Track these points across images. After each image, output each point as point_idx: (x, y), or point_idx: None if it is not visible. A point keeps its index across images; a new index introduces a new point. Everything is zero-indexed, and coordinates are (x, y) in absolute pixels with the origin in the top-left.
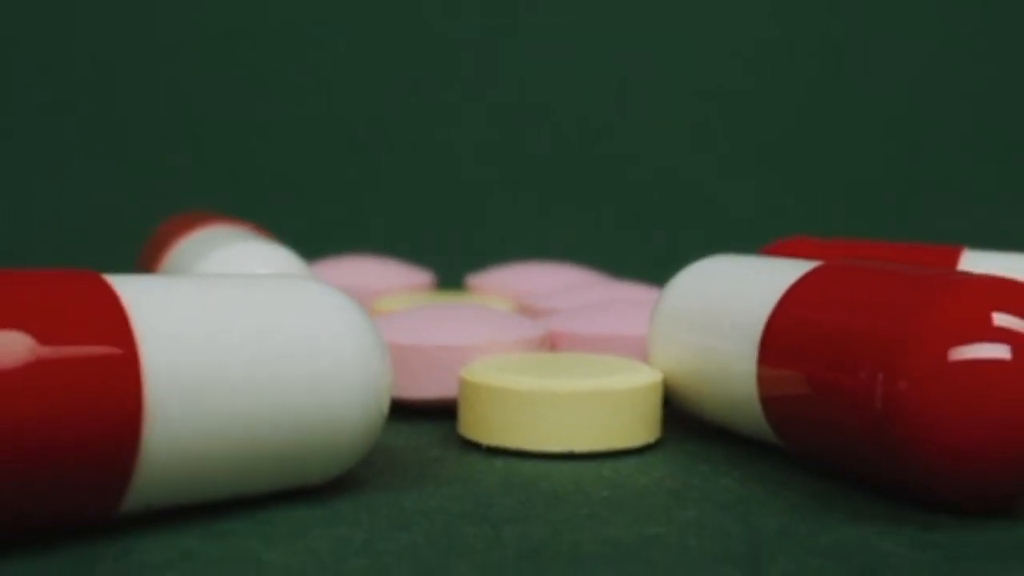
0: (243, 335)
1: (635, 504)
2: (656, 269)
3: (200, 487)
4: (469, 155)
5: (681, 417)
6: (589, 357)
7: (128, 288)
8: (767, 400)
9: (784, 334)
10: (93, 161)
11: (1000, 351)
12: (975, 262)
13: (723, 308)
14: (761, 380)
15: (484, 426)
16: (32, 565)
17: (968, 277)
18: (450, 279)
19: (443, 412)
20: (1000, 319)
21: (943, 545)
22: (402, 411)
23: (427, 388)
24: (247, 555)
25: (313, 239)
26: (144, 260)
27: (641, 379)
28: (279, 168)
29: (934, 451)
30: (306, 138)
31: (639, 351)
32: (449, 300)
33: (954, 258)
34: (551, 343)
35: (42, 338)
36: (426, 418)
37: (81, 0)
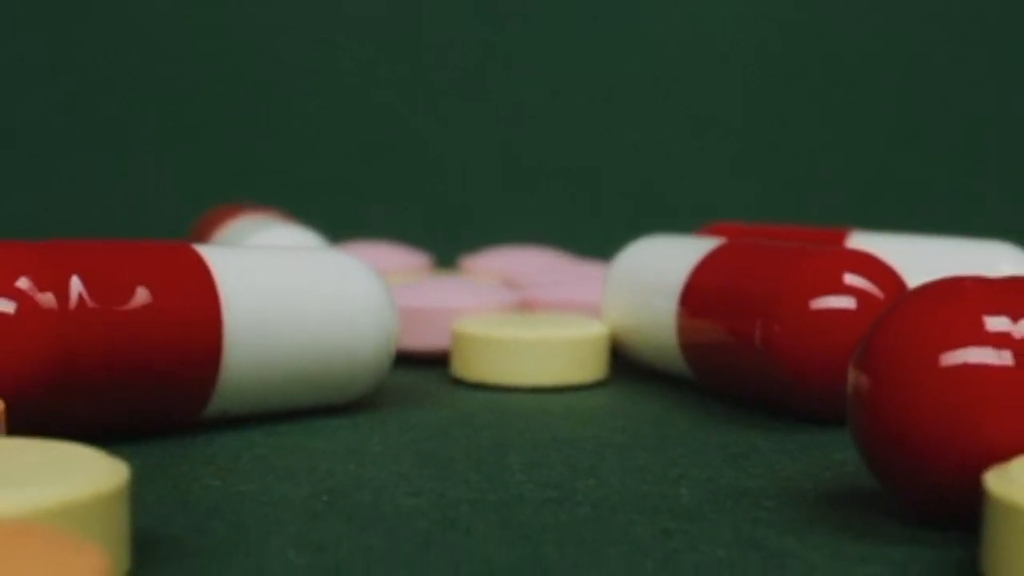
0: (293, 289)
1: (580, 418)
2: (614, 251)
3: (260, 400)
4: (462, 155)
5: (626, 363)
6: (554, 316)
7: (211, 253)
8: (684, 344)
9: (696, 294)
10: (149, 161)
11: (847, 303)
12: (859, 241)
13: (654, 276)
14: (680, 329)
15: (470, 367)
16: (144, 449)
17: (827, 249)
18: (446, 260)
19: (439, 362)
20: (848, 279)
21: (799, 441)
22: (406, 360)
23: (427, 340)
24: (297, 445)
25: (329, 228)
26: (196, 239)
27: (592, 331)
28: (299, 167)
29: (796, 377)
30: (321, 142)
31: (595, 313)
32: (445, 276)
33: (842, 237)
34: (527, 307)
35: (154, 288)
36: (425, 366)
37: (114, 15)
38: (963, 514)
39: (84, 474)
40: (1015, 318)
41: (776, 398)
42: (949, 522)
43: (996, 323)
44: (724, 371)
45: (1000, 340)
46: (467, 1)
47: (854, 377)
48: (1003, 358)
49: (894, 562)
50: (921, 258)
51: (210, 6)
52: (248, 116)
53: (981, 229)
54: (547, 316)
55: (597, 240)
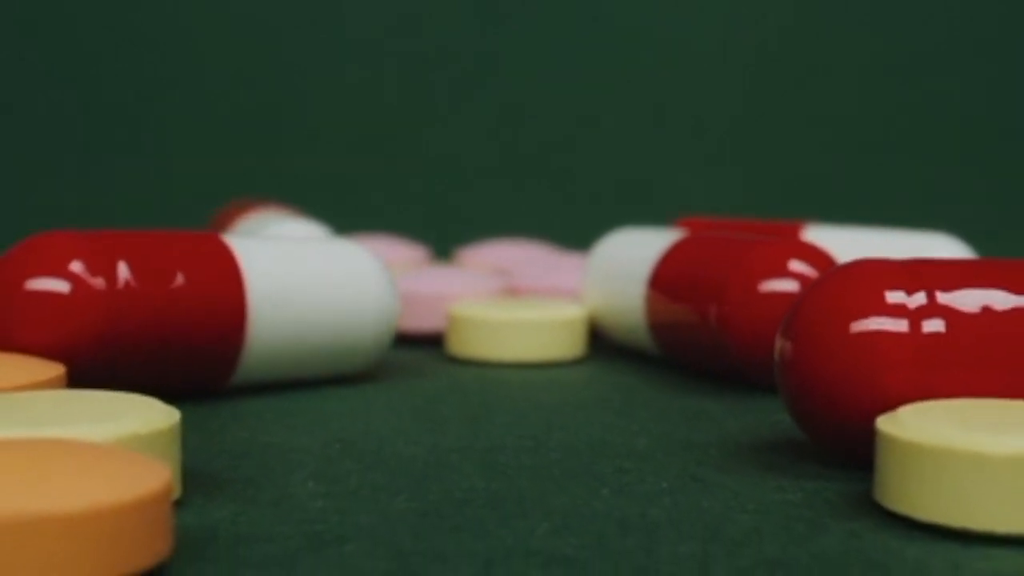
0: (308, 274)
1: (559, 388)
2: (595, 243)
3: (279, 370)
4: (459, 157)
5: (603, 342)
6: (538, 300)
7: (236, 242)
8: (651, 324)
9: (661, 280)
10: (171, 162)
11: (789, 286)
12: (814, 232)
13: (626, 265)
14: (647, 311)
15: (463, 345)
16: (181, 408)
17: (773, 240)
18: (442, 252)
19: (435, 342)
20: (790, 266)
21: (745, 405)
22: (406, 340)
23: (425, 322)
24: (311, 406)
25: (337, 223)
26: (215, 231)
27: (571, 313)
28: (310, 167)
29: (745, 351)
30: (330, 147)
31: (575, 298)
32: (441, 266)
33: (798, 229)
34: (515, 293)
35: (188, 273)
36: (423, 345)
37: (128, 28)
38: (868, 455)
39: (146, 414)
40: (909, 292)
41: (728, 369)
42: (858, 462)
43: (893, 297)
44: (685, 346)
45: (896, 311)
46: (466, 7)
47: (780, 344)
48: (899, 326)
49: (805, 491)
50: (869, 247)
51: (217, 13)
52: (260, 121)
53: (952, 222)
54: (532, 301)
55: (579, 233)
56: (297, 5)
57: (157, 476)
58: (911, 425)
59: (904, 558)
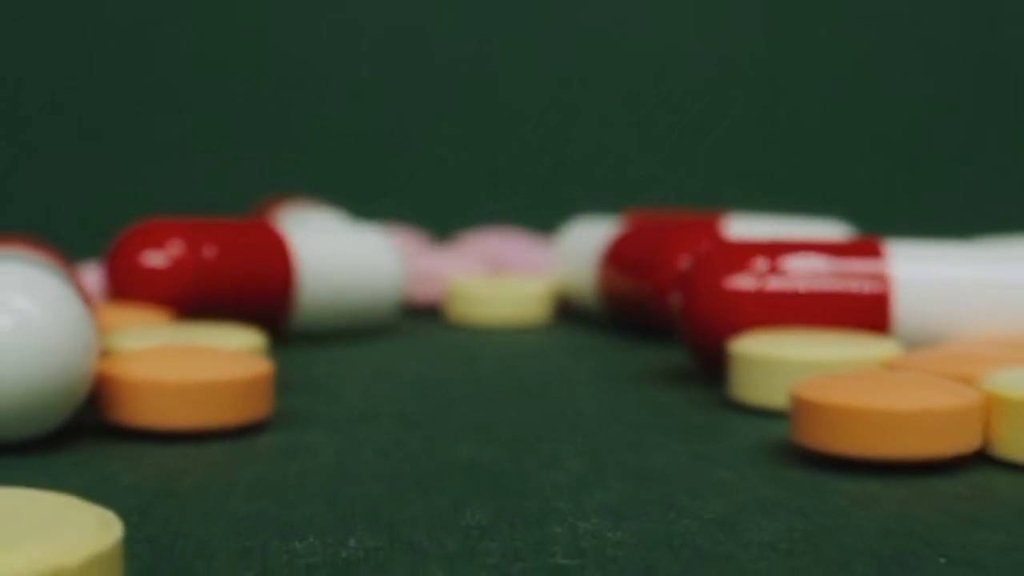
0: (339, 253)
1: (531, 344)
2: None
3: (317, 325)
4: (456, 157)
5: (569, 309)
6: (517, 276)
7: (286, 228)
8: (602, 293)
9: (610, 259)
10: (204, 163)
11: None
12: (735, 221)
13: (583, 247)
14: (599, 283)
15: (457, 312)
16: None
17: (689, 228)
18: (443, 236)
19: (435, 311)
20: (702, 247)
21: (665, 349)
22: (413, 310)
23: (427, 294)
24: (344, 352)
25: (352, 212)
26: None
27: (542, 287)
28: (324, 166)
29: (667, 312)
30: (341, 147)
31: (547, 274)
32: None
33: (719, 219)
34: (500, 271)
35: (254, 250)
36: (426, 314)
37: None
38: None
39: (248, 335)
40: (759, 257)
41: (658, 325)
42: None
43: (749, 264)
44: (626, 310)
45: (752, 272)
46: (466, 7)
47: (675, 298)
48: (750, 284)
49: (687, 395)
50: (767, 230)
51: (220, 16)
52: (267, 123)
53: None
54: (512, 277)
55: (559, 222)
56: (299, 8)
57: (265, 364)
58: (745, 344)
59: (728, 425)
